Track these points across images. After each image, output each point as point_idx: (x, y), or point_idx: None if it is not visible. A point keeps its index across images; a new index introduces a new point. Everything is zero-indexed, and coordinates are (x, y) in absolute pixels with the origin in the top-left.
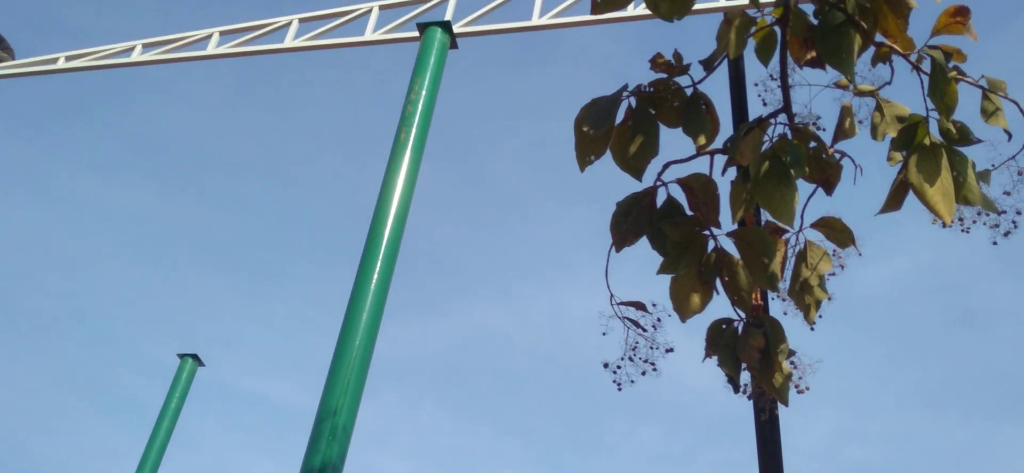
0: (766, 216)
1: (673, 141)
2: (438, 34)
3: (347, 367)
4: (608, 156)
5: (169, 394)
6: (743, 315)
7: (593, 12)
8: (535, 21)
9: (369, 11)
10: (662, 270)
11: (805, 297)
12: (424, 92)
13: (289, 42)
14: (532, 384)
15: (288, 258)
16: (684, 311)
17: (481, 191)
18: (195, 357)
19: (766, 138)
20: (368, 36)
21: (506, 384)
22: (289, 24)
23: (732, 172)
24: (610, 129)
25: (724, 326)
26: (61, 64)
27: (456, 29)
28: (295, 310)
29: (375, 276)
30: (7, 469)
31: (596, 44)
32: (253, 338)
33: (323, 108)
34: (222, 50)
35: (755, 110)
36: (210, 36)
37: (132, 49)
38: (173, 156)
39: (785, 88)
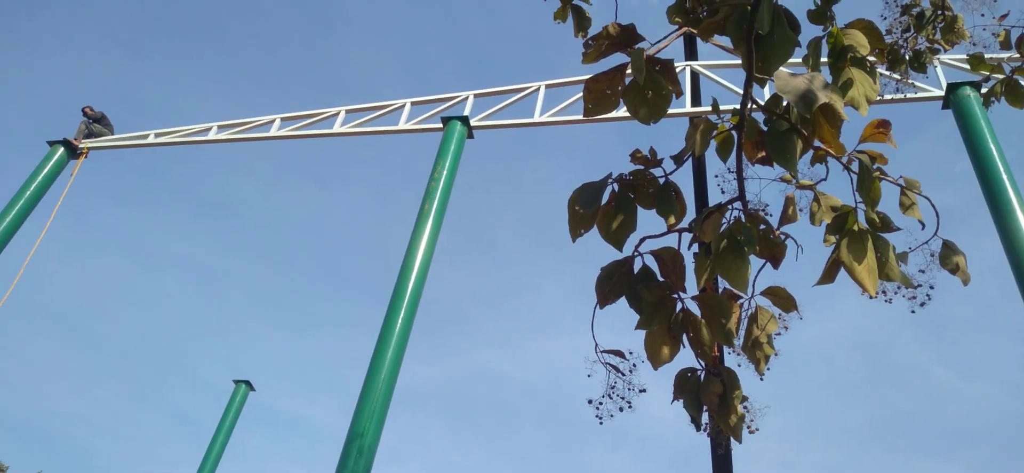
0: (724, 284)
1: (648, 220)
2: (458, 126)
3: (373, 397)
4: (594, 229)
5: (224, 414)
6: (705, 365)
7: (585, 115)
8: (537, 118)
9: (403, 105)
10: (639, 326)
11: (756, 352)
12: (445, 172)
13: (338, 128)
14: (524, 415)
15: (327, 304)
16: (656, 360)
17: (486, 250)
18: (248, 383)
19: (724, 220)
20: (401, 126)
21: (503, 414)
22: (338, 114)
23: (696, 247)
24: (597, 209)
25: (689, 374)
26: (151, 140)
27: (473, 123)
28: (331, 347)
29: (399, 321)
30: (84, 468)
31: (585, 137)
32: (296, 367)
33: (359, 182)
34: (283, 133)
35: (714, 196)
36: (273, 121)
37: (209, 129)
38: (234, 215)
39: (740, 180)
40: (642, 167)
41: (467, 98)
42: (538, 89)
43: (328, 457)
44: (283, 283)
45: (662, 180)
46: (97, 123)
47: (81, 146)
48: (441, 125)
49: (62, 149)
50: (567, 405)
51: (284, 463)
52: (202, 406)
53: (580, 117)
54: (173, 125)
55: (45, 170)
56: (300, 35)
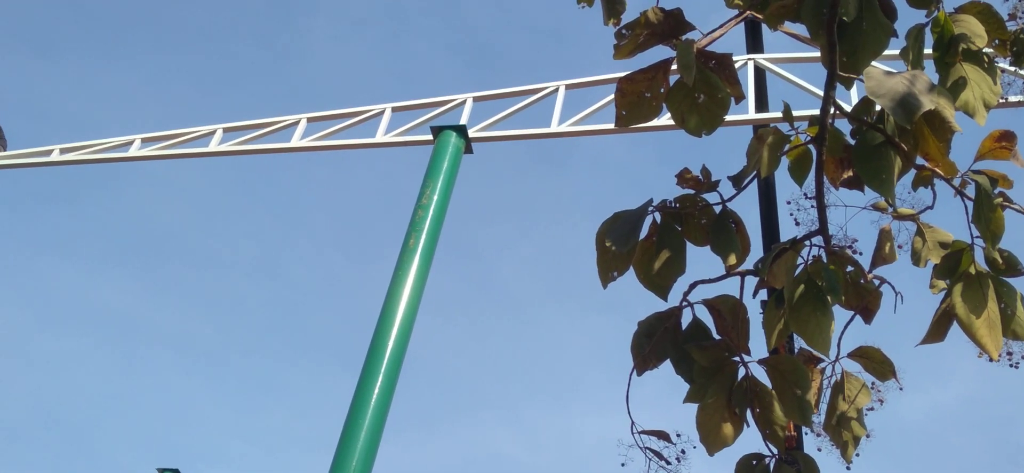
0: (800, 343)
1: (700, 260)
2: (453, 138)
3: None
4: (629, 272)
5: None
6: (776, 451)
7: (618, 125)
8: (553, 128)
9: (382, 112)
10: (689, 399)
11: (842, 433)
12: (436, 197)
13: (296, 141)
14: None
15: (280, 366)
16: (712, 444)
17: (488, 297)
18: (177, 472)
19: (800, 260)
20: (380, 138)
21: None
22: (297, 123)
23: (763, 294)
24: (634, 245)
25: (755, 462)
26: (55, 156)
27: (471, 133)
28: (285, 424)
29: (376, 391)
30: None
31: (611, 151)
32: (239, 453)
33: (325, 208)
34: (225, 147)
35: (786, 228)
36: (213, 132)
37: (131, 143)
38: (164, 252)
39: (821, 208)
40: (692, 191)
41: (464, 102)
42: (556, 91)
43: None
44: (225, 342)
45: (718, 208)
46: None
47: None
48: (431, 137)
49: None
50: None
51: None
52: None
53: (610, 126)
54: (85, 138)
55: None
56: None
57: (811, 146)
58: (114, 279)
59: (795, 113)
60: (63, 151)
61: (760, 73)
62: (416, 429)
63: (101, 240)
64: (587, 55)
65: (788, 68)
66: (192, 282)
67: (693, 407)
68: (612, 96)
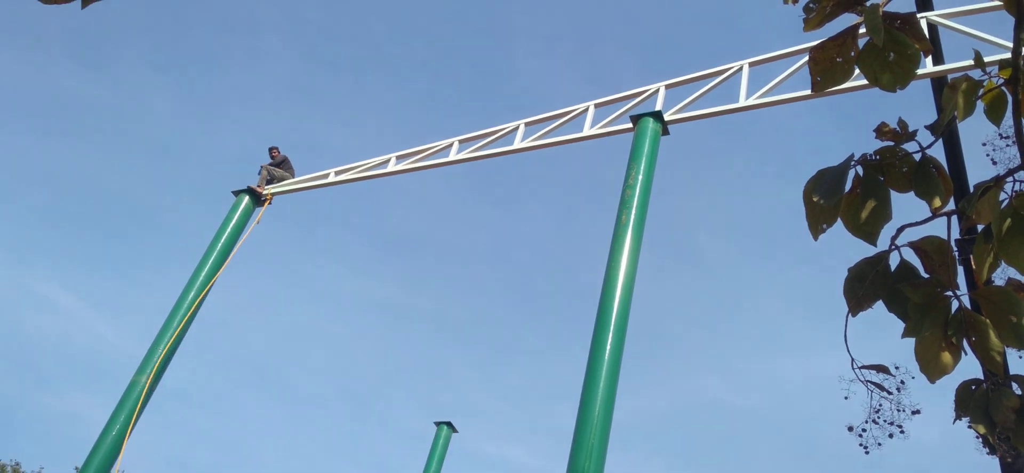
0: (1009, 273)
1: (901, 206)
2: (650, 124)
3: (590, 432)
4: (801, 226)
5: (429, 459)
6: (994, 375)
7: (814, 90)
8: (742, 103)
9: (586, 110)
10: (907, 334)
11: None
12: (640, 177)
13: (518, 144)
14: (755, 448)
15: (519, 333)
16: (933, 372)
17: (692, 264)
18: (449, 424)
19: (1002, 196)
20: (586, 132)
21: (729, 448)
22: (517, 128)
23: (958, 235)
24: (840, 198)
25: (974, 386)
26: (331, 178)
27: (667, 117)
28: (526, 381)
29: (608, 348)
30: None
31: (792, 122)
32: (494, 407)
33: (542, 200)
34: (462, 156)
35: (977, 170)
36: (451, 145)
37: (387, 161)
38: (416, 250)
39: (1021, 145)
40: (891, 143)
41: (658, 91)
42: (740, 69)
43: None
44: (472, 317)
45: (918, 156)
46: (278, 168)
47: (264, 193)
48: (631, 125)
49: (247, 197)
50: (804, 433)
51: None
52: (404, 452)
53: (795, 94)
54: (349, 162)
55: (234, 220)
56: (465, 54)
57: (1004, 89)
58: (381, 276)
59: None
60: (337, 173)
61: (932, 29)
62: (636, 380)
63: (368, 246)
64: (763, 32)
65: (961, 22)
66: (441, 272)
67: (894, 343)
68: (791, 68)
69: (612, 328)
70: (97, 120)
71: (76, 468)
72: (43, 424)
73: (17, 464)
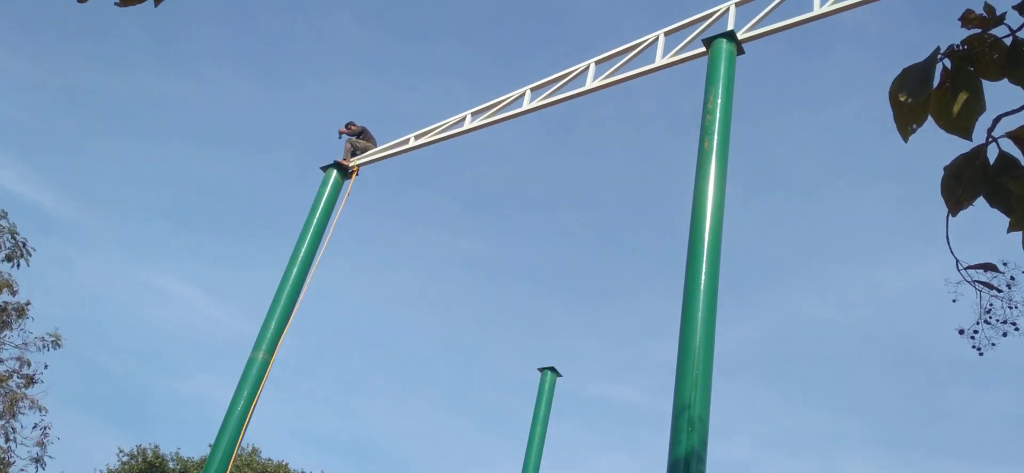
0: None
1: (994, 95)
2: (724, 45)
3: (692, 363)
4: (891, 130)
5: (536, 404)
6: None
7: None
8: (817, 11)
9: (655, 40)
10: (1013, 227)
11: None
12: (719, 101)
13: (590, 84)
14: (864, 362)
15: (613, 275)
16: None
17: (777, 183)
18: (553, 369)
19: None
20: (658, 62)
21: (836, 366)
22: (587, 68)
23: None
24: (928, 94)
25: None
26: (412, 143)
27: (740, 36)
28: (625, 321)
29: (703, 277)
30: None
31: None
32: (594, 349)
33: (620, 138)
34: (535, 104)
35: None
36: (523, 94)
37: (463, 119)
38: (501, 205)
39: None
40: (978, 30)
41: (728, 10)
42: None
43: (648, 439)
44: (563, 264)
45: (1008, 40)
46: (359, 138)
47: (351, 165)
48: (704, 49)
49: (335, 172)
50: (913, 343)
51: (605, 451)
52: (512, 401)
53: None
54: (426, 126)
55: (325, 195)
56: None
57: None
58: (470, 234)
59: None
60: (417, 137)
61: None
62: (736, 310)
63: (455, 206)
64: None
65: None
66: (528, 223)
67: (1000, 239)
68: None
69: (705, 257)
70: (186, 118)
71: (209, 445)
72: (174, 408)
73: (156, 447)
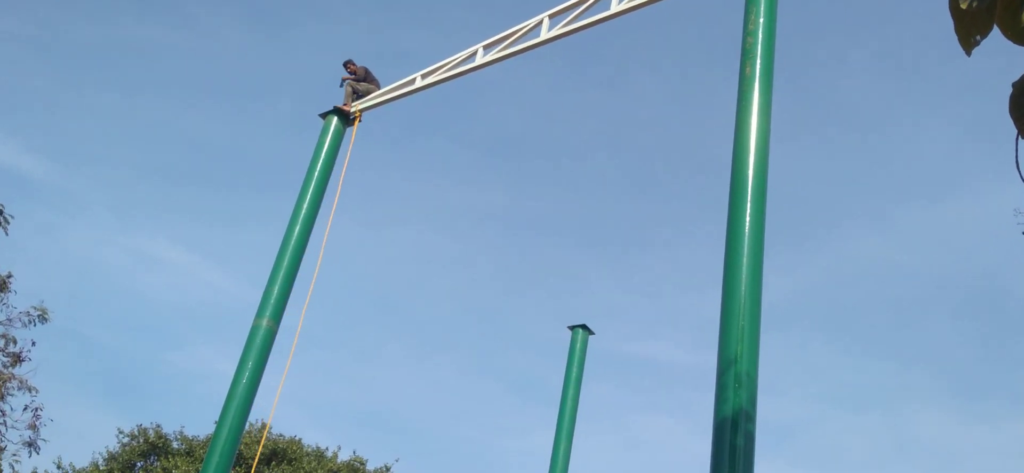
0: None
1: None
2: None
3: (738, 314)
4: (952, 44)
5: (568, 364)
6: None
7: None
8: None
9: None
10: None
11: None
12: (762, 21)
13: (616, 6)
14: (931, 307)
15: (647, 224)
16: None
17: (830, 113)
18: (585, 327)
19: None
20: None
21: (899, 312)
22: None
23: None
24: (993, 2)
25: None
26: (418, 83)
27: None
28: (661, 274)
29: (748, 219)
30: (443, 450)
31: None
32: (628, 303)
33: (652, 70)
34: (554, 33)
35: None
36: (541, 22)
37: (474, 54)
38: (521, 151)
39: None
40: None
41: None
42: None
43: (692, 399)
44: (591, 215)
45: None
46: (362, 82)
47: (352, 111)
48: None
49: (335, 119)
50: (987, 283)
51: (646, 412)
52: (542, 362)
53: None
54: (434, 63)
55: (326, 145)
56: None
57: None
58: (488, 183)
59: None
60: (423, 76)
61: None
62: (786, 256)
63: (469, 153)
64: None
65: None
66: (552, 169)
67: None
68: None
69: (750, 197)
70: (172, 67)
71: (215, 422)
72: (174, 382)
73: (158, 426)
